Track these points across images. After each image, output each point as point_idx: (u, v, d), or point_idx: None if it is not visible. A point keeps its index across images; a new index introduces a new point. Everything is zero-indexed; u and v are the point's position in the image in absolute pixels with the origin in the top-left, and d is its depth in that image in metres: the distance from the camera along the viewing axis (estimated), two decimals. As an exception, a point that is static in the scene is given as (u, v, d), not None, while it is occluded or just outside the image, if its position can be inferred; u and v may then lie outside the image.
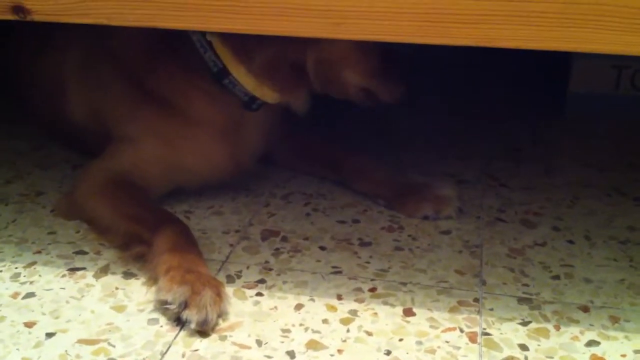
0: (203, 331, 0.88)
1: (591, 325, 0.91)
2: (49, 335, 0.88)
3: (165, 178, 1.15)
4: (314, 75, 1.07)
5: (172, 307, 0.89)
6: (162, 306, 0.91)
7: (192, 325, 0.88)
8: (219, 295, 0.91)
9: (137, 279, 1.00)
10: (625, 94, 1.59)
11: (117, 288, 0.98)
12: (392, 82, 1.13)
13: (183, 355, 0.85)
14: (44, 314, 0.92)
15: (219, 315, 0.90)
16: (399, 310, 0.94)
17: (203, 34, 1.05)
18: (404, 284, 0.99)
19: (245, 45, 1.04)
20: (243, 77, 1.07)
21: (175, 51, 1.09)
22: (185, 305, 0.89)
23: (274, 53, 1.04)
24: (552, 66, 1.73)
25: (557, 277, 1.01)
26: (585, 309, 0.94)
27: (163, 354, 0.85)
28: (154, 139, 1.12)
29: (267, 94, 1.10)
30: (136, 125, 1.13)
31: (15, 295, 0.96)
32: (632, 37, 0.76)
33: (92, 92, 1.19)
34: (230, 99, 1.10)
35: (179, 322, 0.90)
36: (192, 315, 0.88)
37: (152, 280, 0.97)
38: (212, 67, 1.07)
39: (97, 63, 1.18)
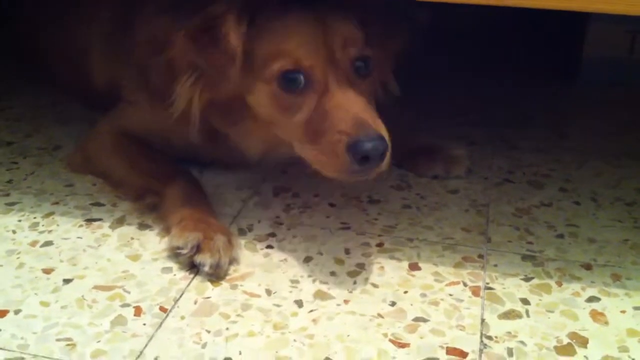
0: (215, 275, 0.92)
1: (593, 282, 0.93)
2: (67, 281, 0.92)
3: (163, 147, 1.15)
4: None
5: (184, 251, 0.92)
6: (175, 251, 0.94)
7: (206, 268, 0.91)
8: (230, 242, 0.95)
9: (152, 230, 1.03)
10: (639, 59, 1.58)
11: (132, 238, 1.01)
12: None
13: (195, 302, 0.88)
14: (61, 261, 0.96)
15: (231, 262, 0.94)
16: (405, 264, 0.96)
17: None
18: (411, 240, 1.01)
19: None
20: None
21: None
22: (197, 249, 0.92)
23: None
24: (566, 33, 1.72)
25: (561, 236, 1.03)
26: (588, 267, 0.96)
27: (176, 300, 0.88)
28: (152, 115, 1.12)
29: None
30: (141, 97, 1.14)
31: (34, 244, 0.99)
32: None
33: (113, 61, 1.21)
34: None
35: (192, 267, 0.93)
36: (205, 259, 0.91)
37: (165, 230, 1.00)
38: None
39: (120, 35, 1.19)
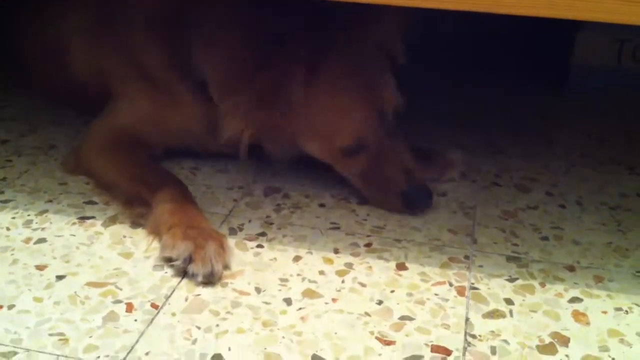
0: (210, 283, 0.93)
1: (576, 283, 0.95)
2: (60, 277, 0.93)
3: (158, 136, 1.18)
4: None
5: (177, 263, 0.93)
6: (167, 263, 0.95)
7: (199, 279, 0.92)
8: (222, 247, 0.95)
9: (144, 228, 1.04)
10: (626, 68, 1.61)
11: (124, 236, 1.02)
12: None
13: (186, 299, 0.90)
14: (54, 258, 0.97)
15: (224, 268, 0.94)
16: (393, 264, 0.98)
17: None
18: (399, 240, 1.03)
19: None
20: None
21: (168, 43, 1.12)
22: (190, 259, 0.92)
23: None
24: (556, 40, 1.75)
25: (546, 239, 1.05)
26: (571, 269, 0.98)
27: (167, 297, 0.90)
28: (146, 102, 1.16)
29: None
30: (132, 88, 1.16)
31: (27, 241, 1.01)
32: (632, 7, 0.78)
33: (96, 50, 1.22)
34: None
35: (186, 273, 0.94)
36: (197, 269, 0.92)
37: (155, 234, 1.01)
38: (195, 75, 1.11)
39: (104, 24, 1.21)
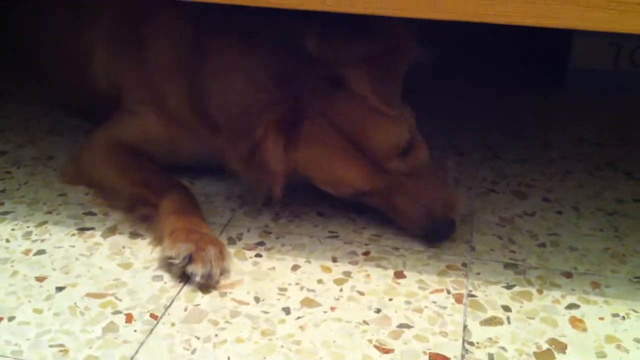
0: (207, 285, 0.94)
1: (573, 290, 0.96)
2: (59, 289, 0.94)
3: (165, 157, 1.18)
4: None
5: (176, 261, 0.94)
6: (167, 261, 0.96)
7: (197, 278, 0.93)
8: (222, 253, 0.96)
9: (143, 239, 1.05)
10: (624, 71, 1.62)
11: (124, 247, 1.03)
12: None
13: (185, 309, 0.90)
14: (54, 269, 0.98)
15: (222, 272, 0.95)
16: (391, 272, 0.98)
17: None
18: (397, 248, 1.04)
19: None
20: None
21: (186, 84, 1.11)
22: (189, 259, 0.94)
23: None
24: (553, 43, 1.76)
25: (543, 245, 1.05)
26: (568, 275, 0.99)
27: (167, 308, 0.90)
28: (158, 127, 1.16)
29: None
30: (145, 109, 1.16)
31: (27, 252, 1.01)
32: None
33: (118, 63, 1.21)
34: None
35: (184, 277, 0.95)
36: (197, 269, 0.93)
37: (158, 240, 1.02)
38: None
39: (124, 36, 1.20)
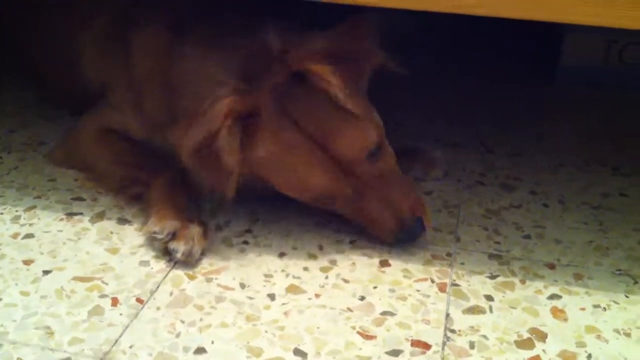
0: (187, 262, 0.96)
1: (555, 281, 0.97)
2: (46, 272, 0.95)
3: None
4: None
5: (160, 236, 0.97)
6: (151, 235, 0.98)
7: (178, 255, 0.95)
8: (205, 233, 0.99)
9: (131, 224, 1.05)
10: (614, 67, 1.63)
11: (111, 232, 1.04)
12: None
13: (171, 294, 0.91)
14: (42, 253, 0.98)
15: (203, 252, 0.98)
16: (376, 261, 0.99)
17: None
18: (383, 238, 1.05)
19: None
20: None
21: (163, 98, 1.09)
22: (173, 236, 0.96)
23: None
24: (544, 39, 1.76)
25: (528, 237, 1.06)
26: (552, 266, 1.00)
27: (153, 292, 0.91)
28: (134, 123, 1.15)
29: None
30: (124, 105, 1.16)
31: (15, 236, 1.02)
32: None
33: (106, 61, 1.21)
34: None
35: (167, 253, 0.97)
36: (179, 246, 0.96)
37: (146, 216, 1.03)
38: None
39: (114, 40, 1.20)
